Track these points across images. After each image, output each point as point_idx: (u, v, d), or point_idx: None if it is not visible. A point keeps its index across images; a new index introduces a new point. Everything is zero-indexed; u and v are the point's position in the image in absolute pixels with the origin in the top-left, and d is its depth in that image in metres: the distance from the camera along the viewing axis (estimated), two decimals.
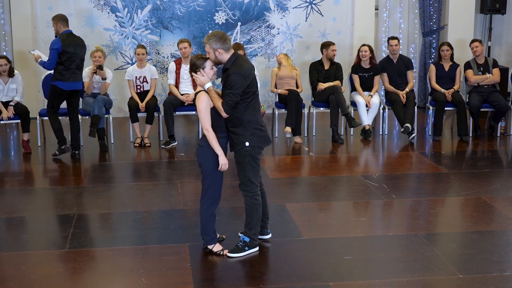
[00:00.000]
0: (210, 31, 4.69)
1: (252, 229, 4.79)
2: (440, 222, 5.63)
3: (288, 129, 8.15)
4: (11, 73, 7.82)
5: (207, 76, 4.62)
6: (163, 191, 6.34)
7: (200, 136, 4.77)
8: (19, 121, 7.76)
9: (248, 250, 4.77)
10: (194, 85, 8.00)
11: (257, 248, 4.82)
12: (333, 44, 8.63)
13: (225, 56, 4.60)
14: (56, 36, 7.39)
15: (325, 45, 8.63)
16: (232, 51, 4.65)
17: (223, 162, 4.58)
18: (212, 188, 4.68)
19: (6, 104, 7.74)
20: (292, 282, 4.33)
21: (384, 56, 9.92)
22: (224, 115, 4.55)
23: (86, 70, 7.94)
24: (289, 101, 8.15)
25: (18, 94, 7.85)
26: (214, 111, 4.58)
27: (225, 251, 4.74)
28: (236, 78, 4.53)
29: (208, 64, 4.62)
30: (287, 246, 4.93)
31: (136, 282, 4.37)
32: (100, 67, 7.80)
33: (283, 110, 8.40)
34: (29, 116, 7.71)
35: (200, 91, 4.61)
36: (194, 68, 4.63)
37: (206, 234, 4.76)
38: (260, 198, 4.79)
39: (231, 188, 6.13)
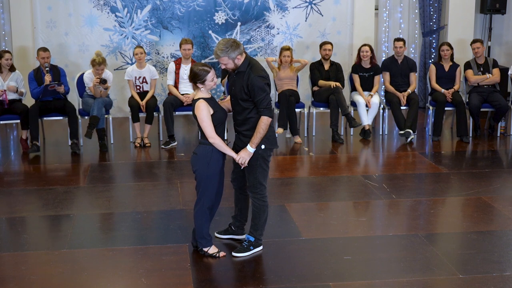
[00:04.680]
0: (220, 41, 4.55)
1: (258, 230, 4.80)
2: (440, 222, 5.63)
3: (280, 130, 8.16)
4: (12, 68, 7.85)
5: (206, 88, 4.57)
6: (163, 191, 6.34)
7: (199, 137, 4.75)
8: (18, 121, 7.77)
9: (253, 249, 4.78)
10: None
11: (261, 247, 4.83)
12: (327, 43, 8.63)
13: (242, 59, 4.57)
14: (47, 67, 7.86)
15: (320, 45, 8.69)
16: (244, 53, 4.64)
17: (239, 157, 4.60)
18: (207, 195, 4.66)
19: (8, 104, 7.73)
20: (292, 282, 4.33)
21: (384, 56, 9.95)
22: (268, 120, 4.54)
23: (88, 77, 7.95)
24: (281, 103, 8.17)
25: (22, 88, 7.87)
26: (214, 118, 4.56)
27: (221, 253, 4.73)
28: (261, 81, 4.53)
29: (210, 76, 4.53)
30: (287, 246, 4.92)
31: (135, 282, 4.37)
32: (103, 81, 7.80)
33: None
34: (28, 114, 7.70)
35: (198, 98, 4.57)
36: (195, 79, 4.53)
37: (202, 238, 4.74)
38: (267, 199, 4.79)
39: (231, 189, 6.12)
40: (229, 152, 4.62)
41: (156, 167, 7.32)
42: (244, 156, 4.59)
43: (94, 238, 5.23)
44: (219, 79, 9.25)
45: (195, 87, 4.59)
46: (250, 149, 4.58)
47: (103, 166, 7.29)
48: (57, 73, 7.94)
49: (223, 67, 4.60)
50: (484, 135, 8.62)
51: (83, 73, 8.18)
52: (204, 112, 4.50)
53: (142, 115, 8.13)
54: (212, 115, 4.53)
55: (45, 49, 7.92)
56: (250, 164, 4.65)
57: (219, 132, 4.58)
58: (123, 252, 4.86)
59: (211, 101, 4.59)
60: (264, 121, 4.55)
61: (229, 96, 4.78)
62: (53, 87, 7.70)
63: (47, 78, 7.72)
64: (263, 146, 4.62)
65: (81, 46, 9.25)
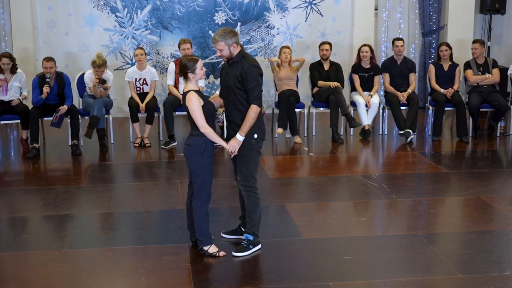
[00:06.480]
0: (219, 29, 4.69)
1: (256, 225, 4.80)
2: (440, 222, 5.63)
3: (280, 130, 8.17)
4: (13, 70, 7.82)
5: (197, 77, 4.64)
6: (163, 191, 6.34)
7: (191, 129, 4.75)
8: (18, 121, 7.77)
9: (253, 248, 4.78)
10: None
11: (260, 245, 4.83)
12: (325, 43, 8.66)
13: (237, 50, 4.65)
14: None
15: (319, 46, 8.71)
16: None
17: (229, 146, 4.63)
18: (205, 186, 4.67)
19: (8, 104, 7.73)
20: (292, 282, 4.33)
21: (383, 56, 9.95)
22: (257, 109, 4.59)
23: (88, 77, 7.95)
24: (281, 103, 8.18)
25: (25, 90, 7.87)
26: (204, 109, 4.59)
27: (221, 253, 4.73)
28: (255, 71, 4.61)
29: (199, 65, 4.63)
30: (287, 246, 4.92)
31: (135, 282, 4.37)
32: (102, 81, 7.79)
33: None
34: (28, 114, 7.69)
35: (188, 91, 4.62)
36: (185, 70, 4.62)
37: (202, 235, 4.74)
38: (259, 192, 4.80)
39: (231, 188, 6.13)
40: (219, 141, 4.65)
41: (156, 167, 7.32)
42: (234, 145, 4.64)
43: (94, 238, 5.24)
44: (218, 79, 9.24)
45: (186, 79, 4.65)
46: (240, 137, 4.62)
47: (103, 166, 7.29)
48: (62, 83, 7.82)
49: (218, 54, 4.67)
50: (484, 135, 8.62)
51: (83, 73, 8.19)
52: (195, 103, 4.56)
53: (141, 115, 8.14)
54: (202, 106, 4.58)
55: (48, 59, 7.69)
56: (244, 155, 4.69)
57: (209, 124, 4.62)
58: (123, 252, 4.86)
59: (199, 93, 4.67)
60: (254, 110, 4.61)
61: (217, 91, 4.83)
62: (56, 118, 7.62)
63: (45, 90, 7.59)
64: (255, 136, 4.67)
65: (81, 46, 9.25)
